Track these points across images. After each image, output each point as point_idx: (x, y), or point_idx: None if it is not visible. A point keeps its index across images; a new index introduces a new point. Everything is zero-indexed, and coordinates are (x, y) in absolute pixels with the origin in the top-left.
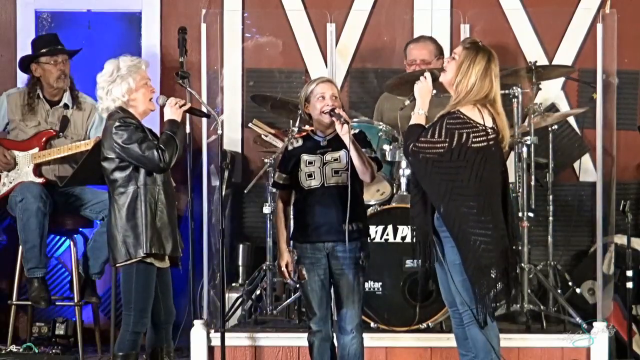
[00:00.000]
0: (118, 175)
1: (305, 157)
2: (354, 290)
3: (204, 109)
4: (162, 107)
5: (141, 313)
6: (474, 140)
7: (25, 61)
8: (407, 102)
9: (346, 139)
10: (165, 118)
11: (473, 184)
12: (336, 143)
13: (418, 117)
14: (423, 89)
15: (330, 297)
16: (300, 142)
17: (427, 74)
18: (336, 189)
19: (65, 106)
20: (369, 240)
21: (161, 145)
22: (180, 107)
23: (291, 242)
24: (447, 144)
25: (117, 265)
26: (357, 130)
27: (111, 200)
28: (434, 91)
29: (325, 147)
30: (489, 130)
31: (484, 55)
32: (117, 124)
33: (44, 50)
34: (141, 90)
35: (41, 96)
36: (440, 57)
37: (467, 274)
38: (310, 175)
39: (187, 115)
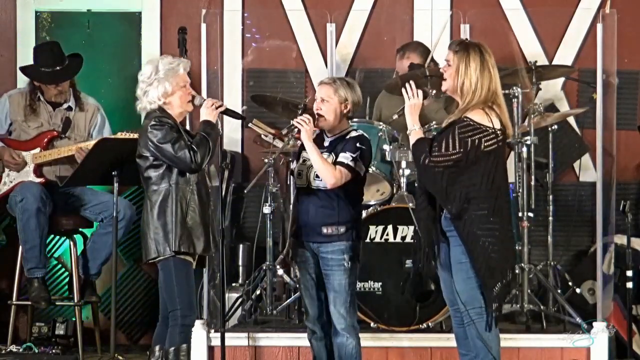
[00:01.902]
0: (152, 173)
1: (304, 154)
2: (339, 292)
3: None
4: (198, 107)
5: (188, 306)
6: (485, 144)
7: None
8: (395, 117)
9: (307, 146)
10: (201, 119)
11: (485, 187)
12: (334, 146)
13: (415, 133)
14: (413, 106)
15: (326, 297)
16: (313, 136)
17: (419, 92)
18: (321, 192)
19: (69, 108)
20: (368, 240)
21: (194, 147)
22: (217, 108)
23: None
24: (461, 154)
25: (147, 261)
26: (359, 132)
27: (145, 198)
28: (433, 91)
29: (325, 147)
30: (498, 132)
31: (476, 51)
32: (152, 122)
33: (45, 70)
34: (177, 93)
35: (42, 99)
36: (431, 63)
37: (478, 276)
38: (299, 174)
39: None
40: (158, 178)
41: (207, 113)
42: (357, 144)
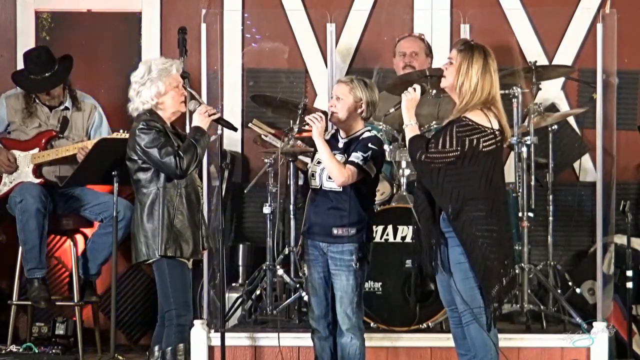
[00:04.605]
0: (141, 175)
1: (318, 154)
2: (346, 292)
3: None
4: (191, 112)
5: (183, 306)
6: (484, 144)
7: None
8: (391, 110)
9: (317, 143)
10: (193, 124)
11: (484, 188)
12: (348, 147)
13: (412, 129)
14: (411, 101)
15: (332, 297)
16: (328, 137)
17: (417, 86)
18: (332, 193)
19: (66, 109)
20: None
21: (180, 152)
22: (210, 115)
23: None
24: (458, 152)
25: (137, 263)
26: (372, 134)
27: (135, 200)
28: (433, 91)
29: (338, 149)
30: (497, 133)
31: (480, 53)
32: (140, 126)
33: (34, 78)
34: (170, 94)
35: (38, 102)
36: (429, 56)
37: (477, 277)
38: (312, 175)
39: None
40: (147, 181)
41: (199, 119)
42: (369, 144)
